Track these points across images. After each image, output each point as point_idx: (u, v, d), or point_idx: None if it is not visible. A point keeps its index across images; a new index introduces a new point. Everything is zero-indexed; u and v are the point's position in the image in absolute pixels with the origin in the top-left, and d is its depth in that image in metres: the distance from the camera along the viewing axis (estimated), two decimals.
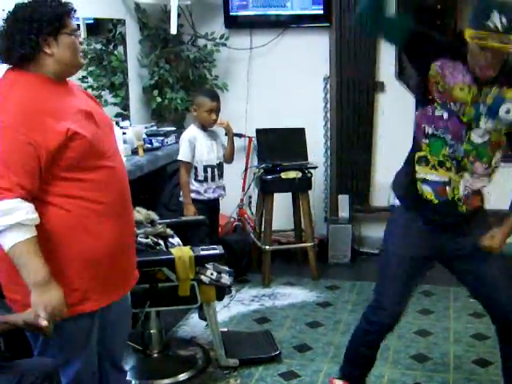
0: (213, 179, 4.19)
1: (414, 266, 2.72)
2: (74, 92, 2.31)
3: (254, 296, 4.52)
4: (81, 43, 2.29)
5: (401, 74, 5.03)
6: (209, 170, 4.16)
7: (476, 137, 2.51)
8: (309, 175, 4.79)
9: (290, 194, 4.95)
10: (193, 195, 4.13)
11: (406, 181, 2.67)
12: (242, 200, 5.32)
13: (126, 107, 4.81)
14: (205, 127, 4.17)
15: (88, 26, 4.33)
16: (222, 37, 5.11)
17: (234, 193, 4.99)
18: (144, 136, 4.47)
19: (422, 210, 2.63)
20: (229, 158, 4.34)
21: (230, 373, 3.43)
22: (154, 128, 4.87)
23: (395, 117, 5.02)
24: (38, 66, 2.18)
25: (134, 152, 4.23)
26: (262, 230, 4.88)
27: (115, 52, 4.71)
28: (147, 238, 3.17)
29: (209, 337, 3.67)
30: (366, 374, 3.01)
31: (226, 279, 3.32)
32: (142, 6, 4.92)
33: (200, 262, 3.23)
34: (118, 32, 4.75)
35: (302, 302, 4.41)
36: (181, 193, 4.17)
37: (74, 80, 2.40)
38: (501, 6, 2.29)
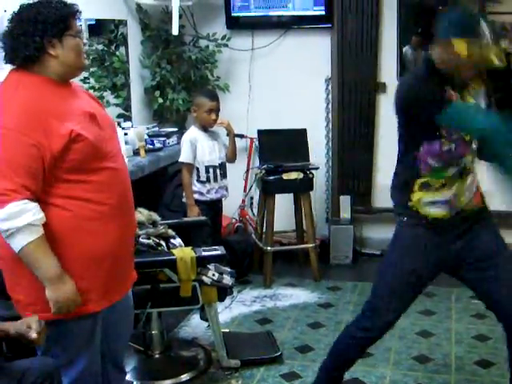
0: (215, 179, 4.18)
1: (413, 279, 2.67)
2: (77, 93, 2.31)
3: (255, 297, 4.52)
4: (85, 45, 2.30)
5: (402, 75, 5.03)
6: (211, 170, 4.16)
7: (475, 144, 2.54)
8: (310, 176, 4.79)
9: (291, 195, 4.95)
10: (195, 196, 4.13)
11: (409, 206, 2.61)
12: (243, 201, 5.32)
13: (127, 108, 4.82)
14: (205, 128, 4.18)
15: (90, 26, 4.33)
16: (223, 38, 5.12)
17: (235, 194, 4.99)
18: (146, 137, 4.48)
19: (433, 229, 2.59)
20: (231, 157, 4.34)
21: (231, 374, 3.43)
22: (156, 129, 4.88)
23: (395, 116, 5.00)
24: (42, 68, 2.18)
25: (136, 153, 4.24)
26: (264, 230, 4.88)
27: (117, 53, 4.72)
28: (149, 238, 3.17)
29: (210, 338, 3.67)
30: (342, 377, 2.97)
31: (227, 280, 3.32)
32: (143, 7, 4.93)
33: (201, 262, 3.23)
34: (119, 33, 4.75)
35: (304, 303, 4.41)
36: (183, 194, 4.17)
37: (75, 81, 2.40)
38: (482, 16, 2.33)
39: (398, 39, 4.98)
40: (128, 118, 4.74)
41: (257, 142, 5.10)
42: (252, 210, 5.38)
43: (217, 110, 4.15)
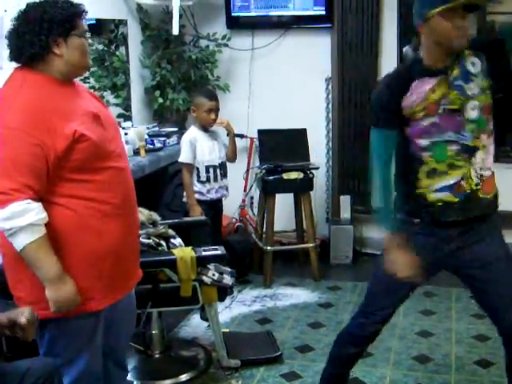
0: (215, 179, 4.18)
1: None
2: (80, 93, 2.32)
3: (255, 297, 4.52)
4: (90, 45, 2.31)
5: None
6: (211, 170, 4.16)
7: (471, 112, 2.45)
8: (310, 176, 4.80)
9: (291, 195, 4.95)
10: (196, 196, 4.13)
11: (413, 197, 2.58)
12: (243, 201, 5.33)
13: (127, 108, 4.82)
14: (205, 128, 4.18)
15: (90, 26, 4.27)
16: (223, 37, 5.12)
17: (235, 193, 4.99)
18: (146, 137, 4.48)
19: (439, 217, 2.54)
20: (231, 157, 4.34)
21: (231, 373, 3.43)
22: (156, 129, 4.88)
23: None
24: (46, 66, 2.19)
25: (136, 153, 4.24)
26: (264, 230, 4.88)
27: (117, 53, 4.72)
28: (149, 238, 3.17)
29: (210, 337, 3.67)
30: (345, 376, 2.93)
31: (227, 280, 3.32)
32: (143, 7, 4.93)
33: (202, 262, 3.23)
34: (119, 33, 4.75)
35: (304, 303, 4.41)
36: (184, 194, 4.18)
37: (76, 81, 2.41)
38: None
39: (398, 39, 4.98)
40: (128, 118, 4.74)
41: (257, 142, 5.10)
42: (252, 210, 5.39)
43: (216, 110, 4.15)
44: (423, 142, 2.50)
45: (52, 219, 2.14)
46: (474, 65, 2.47)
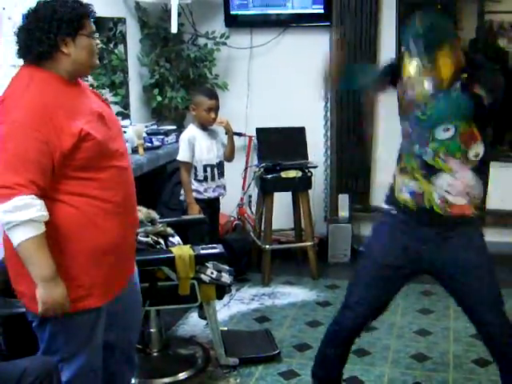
0: (213, 178, 4.19)
1: (388, 274, 2.66)
2: (85, 93, 2.35)
3: (253, 295, 4.52)
4: (98, 44, 2.33)
5: None
6: (208, 169, 4.16)
7: (440, 132, 2.44)
8: (309, 174, 4.79)
9: (289, 194, 4.95)
10: (193, 194, 4.13)
11: (391, 190, 2.66)
12: (242, 199, 5.33)
13: (126, 106, 4.81)
14: (204, 126, 4.17)
15: None
16: (222, 36, 5.12)
17: (234, 192, 4.98)
18: (144, 135, 4.47)
19: (406, 217, 2.58)
20: (229, 156, 4.34)
21: (229, 372, 3.43)
22: (155, 127, 4.87)
23: (395, 116, 4.98)
24: (53, 65, 2.22)
25: (135, 151, 4.23)
26: (262, 229, 4.88)
27: (115, 51, 4.71)
28: (147, 236, 3.17)
29: (208, 336, 3.67)
30: (334, 379, 2.92)
31: (226, 278, 3.32)
32: (142, 5, 4.92)
33: (200, 260, 3.23)
34: (118, 31, 4.74)
35: (302, 301, 4.41)
36: (181, 192, 4.18)
37: None
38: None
39: (396, 38, 4.98)
40: (127, 116, 4.74)
41: (255, 140, 5.09)
42: (250, 208, 5.38)
43: (216, 109, 4.15)
44: (403, 142, 2.53)
45: (55, 216, 2.16)
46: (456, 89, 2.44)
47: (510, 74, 6.51)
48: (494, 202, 4.68)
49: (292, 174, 4.72)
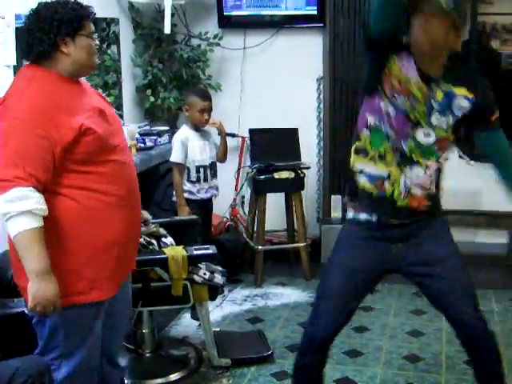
0: (205, 179, 4.18)
1: (356, 278, 2.60)
2: (86, 91, 2.40)
3: (246, 296, 4.52)
4: (97, 45, 2.40)
5: None
6: (201, 170, 4.15)
7: (422, 136, 2.42)
8: (302, 175, 4.80)
9: (282, 194, 4.95)
10: (185, 195, 4.12)
11: (348, 174, 2.57)
12: (234, 200, 5.32)
13: (119, 106, 4.80)
14: (197, 127, 4.17)
15: None
16: (215, 36, 5.11)
17: (226, 192, 4.98)
18: (137, 135, 4.47)
19: (366, 204, 2.53)
20: (222, 157, 4.33)
21: (222, 373, 3.43)
22: (147, 127, 4.87)
23: None
24: (53, 64, 2.27)
25: None
26: (255, 229, 4.88)
27: (108, 51, 4.70)
28: (140, 237, 3.16)
29: (201, 336, 3.66)
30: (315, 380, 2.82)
31: (218, 279, 3.32)
32: (135, 6, 4.91)
33: (193, 261, 3.23)
34: (111, 31, 4.73)
35: (295, 302, 4.41)
36: (173, 193, 4.17)
37: None
38: None
39: None
40: (119, 117, 4.71)
41: (248, 141, 5.09)
42: (243, 209, 5.38)
43: (209, 110, 4.15)
44: (370, 120, 2.46)
45: (55, 209, 2.18)
46: (461, 108, 2.44)
47: (503, 76, 6.54)
48: (486, 204, 4.72)
49: (285, 174, 4.73)
